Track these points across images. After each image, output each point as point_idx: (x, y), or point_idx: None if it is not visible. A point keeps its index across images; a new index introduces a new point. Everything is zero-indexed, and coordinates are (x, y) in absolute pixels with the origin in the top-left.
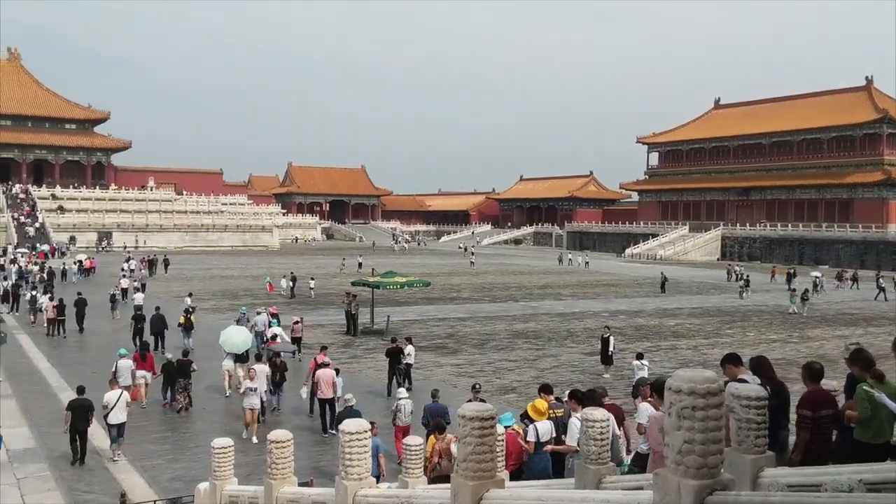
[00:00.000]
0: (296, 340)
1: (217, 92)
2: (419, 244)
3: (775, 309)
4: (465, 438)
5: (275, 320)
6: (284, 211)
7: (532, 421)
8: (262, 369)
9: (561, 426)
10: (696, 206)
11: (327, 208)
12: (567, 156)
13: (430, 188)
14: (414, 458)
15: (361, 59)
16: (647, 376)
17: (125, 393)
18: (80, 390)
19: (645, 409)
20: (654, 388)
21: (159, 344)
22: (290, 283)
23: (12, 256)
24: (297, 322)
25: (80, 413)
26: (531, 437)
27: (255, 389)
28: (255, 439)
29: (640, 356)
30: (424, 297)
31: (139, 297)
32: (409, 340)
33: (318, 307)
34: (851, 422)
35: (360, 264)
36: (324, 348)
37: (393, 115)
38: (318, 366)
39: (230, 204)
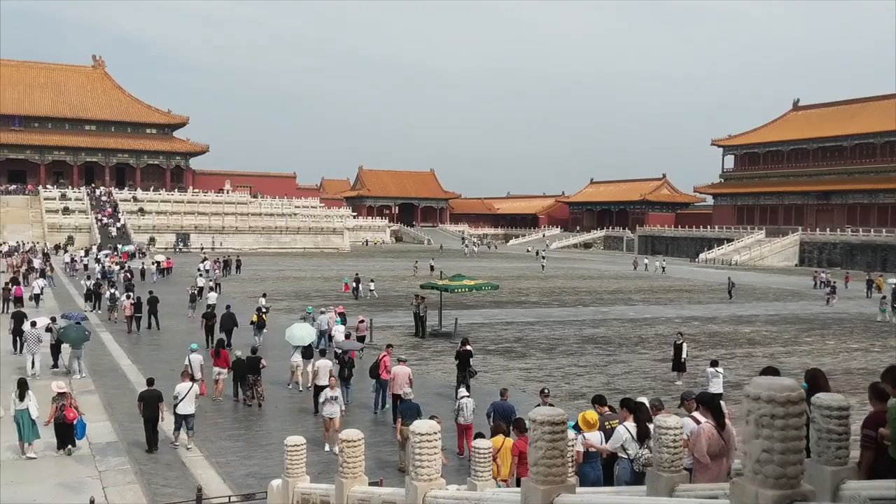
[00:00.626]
0: (360, 339)
1: (291, 97)
2: (490, 247)
3: (857, 316)
4: (536, 442)
5: (339, 319)
6: (355, 214)
7: (580, 431)
8: (325, 364)
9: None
10: (774, 211)
11: (396, 211)
12: (638, 158)
13: (498, 191)
14: (482, 461)
15: (432, 62)
16: (674, 388)
17: (195, 385)
18: (150, 382)
19: (687, 425)
20: (700, 402)
21: (228, 341)
22: (354, 285)
23: (96, 256)
24: (361, 321)
25: (151, 403)
26: (580, 448)
27: (337, 398)
28: (336, 449)
29: (714, 363)
30: (492, 300)
31: (212, 297)
32: (465, 342)
33: (387, 309)
34: (885, 440)
35: (432, 267)
36: (389, 346)
37: (463, 118)
38: (380, 360)
39: (303, 207)
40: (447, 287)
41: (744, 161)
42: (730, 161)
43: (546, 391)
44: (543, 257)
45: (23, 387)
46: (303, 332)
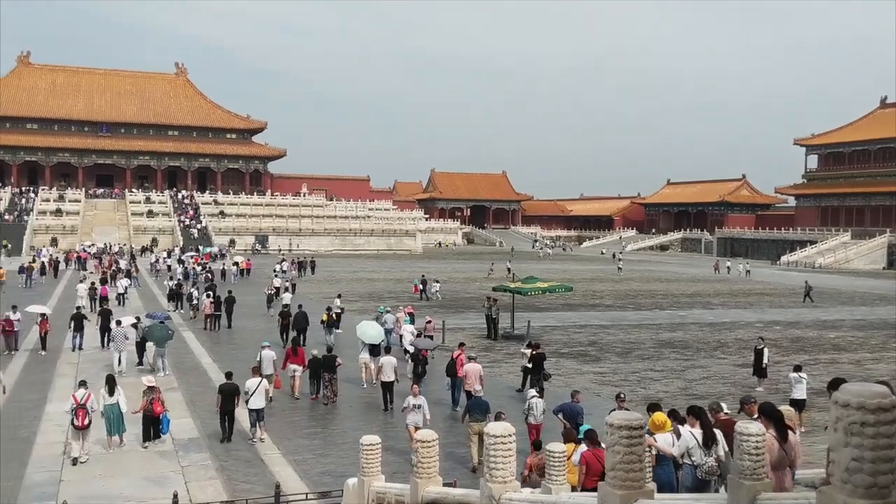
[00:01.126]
0: (428, 338)
1: (365, 101)
2: (565, 249)
3: None
4: (614, 447)
5: (408, 318)
6: (427, 216)
7: (650, 433)
8: (389, 360)
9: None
10: (860, 212)
11: (468, 213)
12: (716, 159)
13: (571, 192)
14: (557, 465)
15: (503, 63)
16: (755, 393)
17: (265, 381)
18: (228, 375)
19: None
20: (762, 412)
21: (302, 340)
22: (421, 286)
23: (179, 258)
24: (429, 322)
25: (228, 395)
26: (677, 451)
27: (420, 406)
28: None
29: (797, 368)
30: (565, 303)
31: (287, 297)
32: (533, 345)
33: (459, 311)
34: None
35: (508, 269)
36: (462, 345)
37: (535, 120)
38: (456, 358)
39: (376, 209)
40: (519, 289)
41: (828, 161)
42: (813, 161)
43: (622, 396)
44: (620, 259)
45: (111, 382)
46: (374, 331)
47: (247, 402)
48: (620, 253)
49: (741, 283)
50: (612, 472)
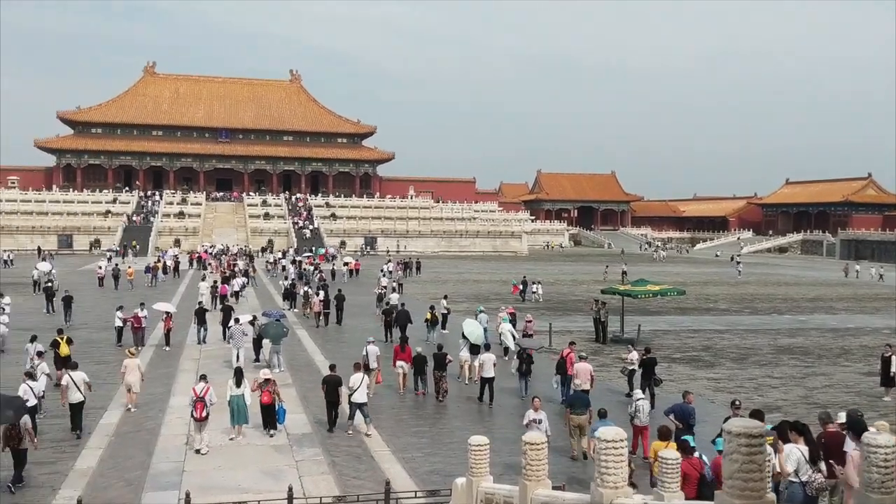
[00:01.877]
0: (527, 336)
1: (472, 102)
2: (680, 251)
3: None
4: (731, 455)
5: (506, 318)
6: (533, 217)
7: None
8: (489, 357)
9: None
10: None
11: (575, 214)
12: (838, 157)
13: (683, 193)
14: (671, 472)
15: (611, 62)
16: (881, 404)
17: (366, 377)
18: (332, 367)
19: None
20: (850, 426)
21: (404, 337)
22: (521, 287)
23: (293, 258)
24: (529, 321)
25: (332, 387)
26: (790, 467)
27: (541, 422)
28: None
29: None
30: (677, 306)
31: (395, 297)
32: (644, 350)
33: (566, 313)
34: None
35: (624, 273)
36: (572, 343)
37: (644, 119)
38: (566, 357)
39: (482, 211)
40: (629, 292)
41: None
42: None
43: (737, 403)
44: (738, 262)
45: (239, 375)
46: (477, 331)
47: (350, 396)
48: (738, 255)
49: (867, 287)
50: (730, 480)
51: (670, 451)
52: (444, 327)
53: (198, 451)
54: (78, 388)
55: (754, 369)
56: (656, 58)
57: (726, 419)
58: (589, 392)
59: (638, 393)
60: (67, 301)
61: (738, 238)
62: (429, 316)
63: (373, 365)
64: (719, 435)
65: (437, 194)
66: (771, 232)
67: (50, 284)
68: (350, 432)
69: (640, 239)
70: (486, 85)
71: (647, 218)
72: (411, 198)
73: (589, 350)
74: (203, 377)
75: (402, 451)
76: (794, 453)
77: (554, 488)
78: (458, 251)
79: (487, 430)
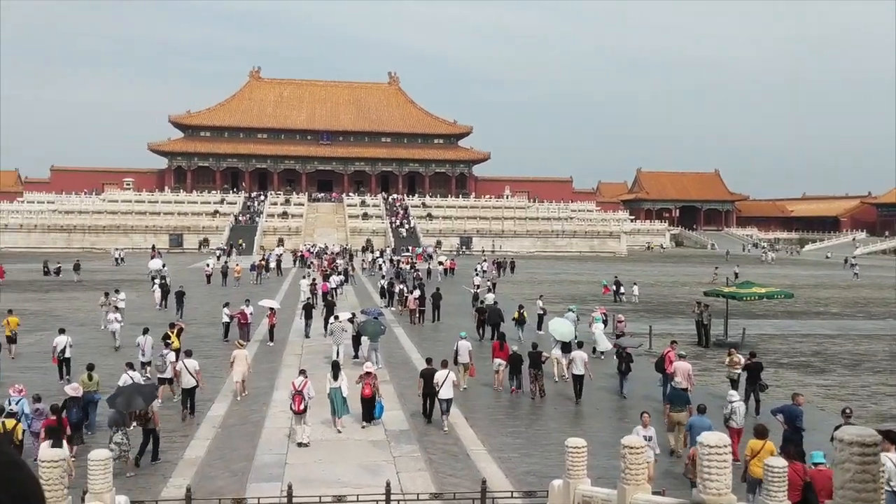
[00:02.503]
0: (619, 335)
1: (569, 101)
2: (790, 253)
3: None
4: (843, 464)
5: (598, 318)
6: (632, 217)
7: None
8: (580, 355)
9: None
10: None
11: (677, 214)
12: None
13: (791, 192)
14: (777, 481)
15: (713, 58)
16: None
17: (451, 373)
18: (429, 361)
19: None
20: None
21: (494, 334)
22: (614, 288)
23: (390, 258)
24: (620, 321)
25: (429, 380)
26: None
27: (651, 438)
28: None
29: None
30: (785, 310)
31: (490, 297)
32: (749, 354)
33: (667, 315)
34: None
35: (736, 275)
36: (674, 342)
37: (750, 116)
38: (665, 355)
39: (579, 211)
40: (734, 294)
41: None
42: None
43: (848, 411)
44: (854, 265)
45: (336, 368)
46: (566, 329)
47: (437, 393)
48: (853, 257)
49: None
50: (842, 490)
51: (778, 459)
52: (539, 328)
53: (299, 444)
54: (191, 373)
55: (868, 376)
56: (760, 52)
57: (836, 427)
58: (688, 390)
59: (733, 394)
60: (180, 296)
61: (853, 239)
62: (516, 315)
63: (464, 360)
64: (817, 448)
65: (533, 194)
66: (887, 233)
67: (164, 281)
68: (446, 429)
69: (744, 240)
70: (583, 83)
71: (753, 218)
72: (507, 197)
73: (691, 354)
74: (302, 372)
75: (498, 450)
76: (886, 463)
77: (654, 493)
78: (553, 251)
79: (585, 433)
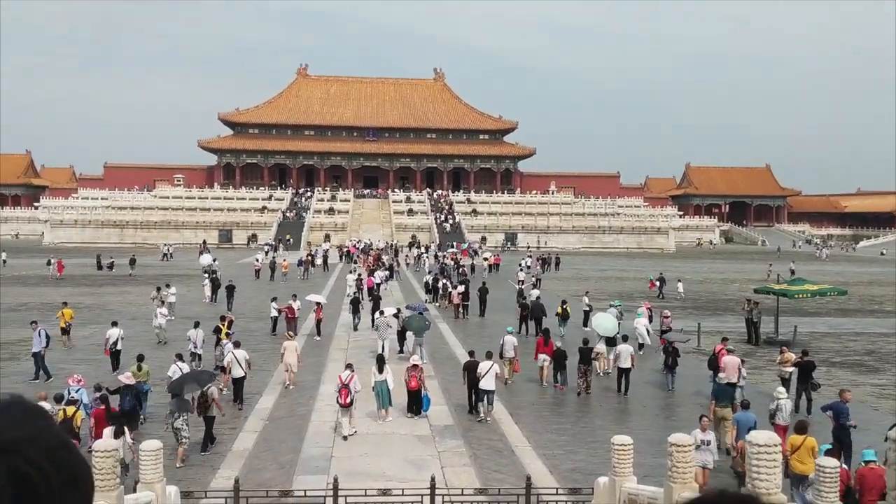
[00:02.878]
0: (664, 332)
1: (616, 95)
2: (844, 249)
3: None
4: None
5: (640, 313)
6: (681, 213)
7: None
8: (626, 349)
9: None
10: None
11: (726, 210)
12: None
13: (846, 187)
14: (829, 481)
15: (763, 50)
16: None
17: (495, 365)
18: (471, 354)
19: None
20: None
21: (537, 329)
22: (658, 284)
23: (434, 253)
24: (666, 316)
25: (472, 372)
26: None
27: (710, 443)
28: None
29: None
30: (838, 307)
31: (535, 293)
32: (802, 353)
33: (716, 313)
34: None
35: (792, 272)
36: (725, 339)
37: (802, 109)
38: (717, 353)
39: (626, 206)
40: (785, 292)
41: None
42: None
43: None
44: None
45: (381, 362)
46: (610, 323)
47: (478, 382)
48: None
49: None
50: (894, 492)
51: (829, 459)
52: (585, 324)
53: (344, 437)
54: (240, 364)
55: None
56: (812, 44)
57: (891, 427)
58: (735, 385)
59: (781, 391)
60: (230, 290)
61: None
62: (560, 311)
63: (509, 354)
64: (869, 446)
65: (580, 189)
66: None
67: (215, 276)
68: (479, 417)
69: (796, 236)
70: (630, 78)
71: (805, 213)
72: (552, 193)
73: (741, 352)
74: (349, 366)
75: (543, 447)
76: None
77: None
78: (600, 248)
79: (631, 430)
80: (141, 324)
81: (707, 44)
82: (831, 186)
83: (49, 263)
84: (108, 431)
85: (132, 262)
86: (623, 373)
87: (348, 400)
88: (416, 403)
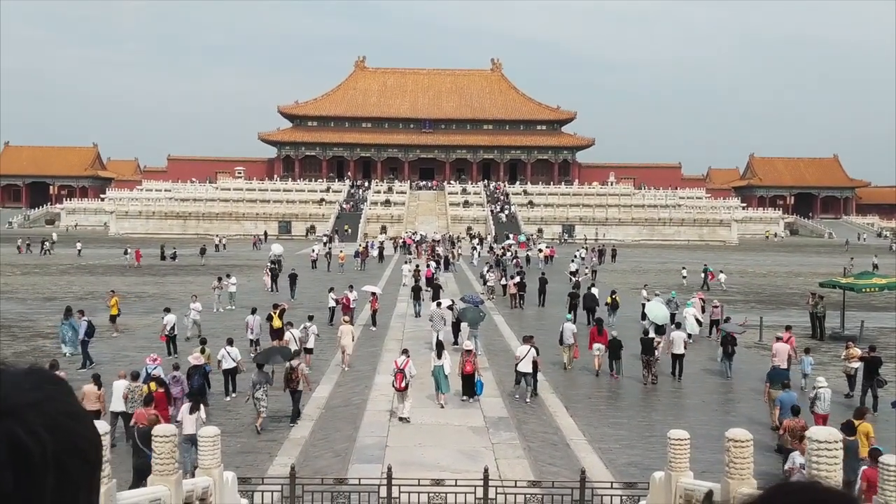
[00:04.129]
0: (714, 323)
1: (678, 85)
2: None
3: None
4: None
5: (689, 303)
6: (744, 205)
7: None
8: (679, 335)
9: None
10: None
11: (791, 202)
12: None
13: None
14: (891, 479)
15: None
16: None
17: (532, 349)
18: (529, 339)
19: None
20: None
21: (589, 319)
22: (703, 276)
23: (490, 245)
24: (715, 307)
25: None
26: None
27: (804, 467)
28: None
29: None
30: None
31: (588, 284)
32: (872, 349)
33: (780, 307)
34: None
35: (875, 266)
36: (788, 328)
37: (874, 97)
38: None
39: (687, 198)
40: (852, 285)
41: None
42: None
43: None
44: None
45: (440, 347)
46: (661, 311)
47: (517, 365)
48: None
49: None
50: None
51: (892, 457)
52: (643, 318)
53: (400, 419)
54: (296, 341)
55: None
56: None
57: None
58: (788, 370)
59: (821, 381)
60: (293, 278)
61: None
62: (609, 300)
63: (569, 341)
64: None
65: (640, 181)
66: None
67: (274, 266)
68: (518, 397)
69: (864, 228)
70: (691, 67)
71: (875, 205)
72: (611, 184)
73: (805, 347)
74: (405, 351)
75: (598, 441)
76: None
77: (759, 489)
78: (660, 240)
79: (689, 425)
80: (204, 313)
81: (771, 32)
82: None
83: (126, 253)
84: (185, 407)
85: (202, 251)
86: (677, 359)
87: (403, 384)
88: (470, 387)
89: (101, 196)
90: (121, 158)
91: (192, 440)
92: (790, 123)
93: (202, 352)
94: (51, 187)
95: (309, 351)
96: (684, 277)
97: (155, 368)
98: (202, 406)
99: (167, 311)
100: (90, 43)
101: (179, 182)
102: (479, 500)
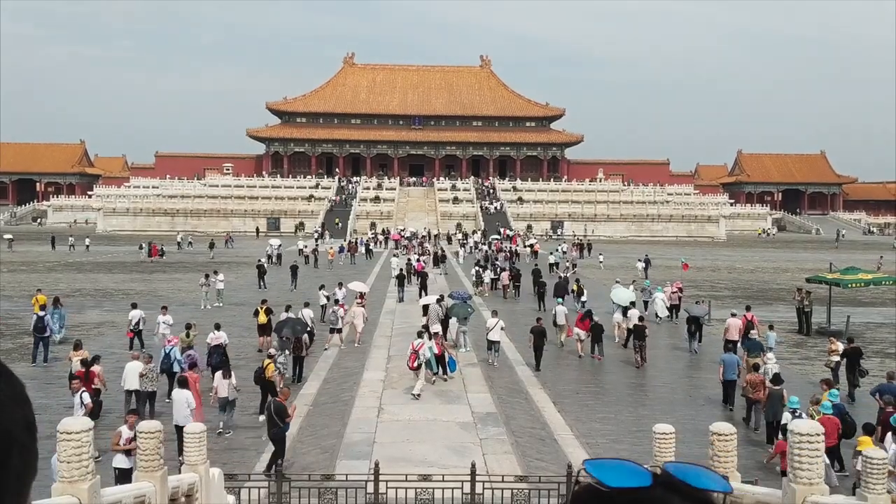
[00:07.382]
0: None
1: (666, 82)
2: None
3: None
4: None
5: (659, 288)
6: (732, 201)
7: None
8: (634, 312)
9: None
10: None
11: (779, 198)
12: None
13: None
14: (876, 473)
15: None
16: None
17: (500, 321)
18: (538, 320)
19: None
20: None
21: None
22: (645, 264)
23: (475, 241)
24: (674, 292)
25: (538, 335)
26: None
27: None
28: None
29: None
30: (895, 297)
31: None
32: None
33: (766, 302)
34: None
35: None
36: (748, 308)
37: (861, 93)
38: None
39: (675, 194)
40: (838, 281)
41: None
42: None
43: None
44: None
45: (426, 328)
46: (624, 294)
47: (487, 334)
48: None
49: None
50: None
51: (877, 451)
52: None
53: (413, 396)
54: (306, 322)
55: None
56: (867, 29)
57: None
58: (737, 343)
59: (770, 356)
60: (294, 270)
61: None
62: (575, 287)
63: (561, 321)
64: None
65: (628, 177)
66: None
67: (260, 263)
68: (490, 362)
69: (852, 224)
70: (679, 63)
71: (862, 202)
72: (600, 181)
73: (792, 342)
74: (420, 333)
75: (586, 436)
76: None
77: (744, 482)
78: (648, 236)
79: (677, 420)
80: (190, 310)
81: (756, 27)
82: (890, 174)
83: (141, 248)
84: (219, 374)
85: (211, 245)
86: (630, 333)
87: (416, 364)
88: (443, 366)
89: (89, 193)
90: (109, 155)
91: (228, 403)
92: (778, 120)
93: (187, 335)
94: (38, 184)
95: (337, 331)
96: (643, 270)
97: (171, 350)
98: (231, 373)
99: (134, 306)
100: (78, 40)
101: (167, 179)
102: (467, 495)
